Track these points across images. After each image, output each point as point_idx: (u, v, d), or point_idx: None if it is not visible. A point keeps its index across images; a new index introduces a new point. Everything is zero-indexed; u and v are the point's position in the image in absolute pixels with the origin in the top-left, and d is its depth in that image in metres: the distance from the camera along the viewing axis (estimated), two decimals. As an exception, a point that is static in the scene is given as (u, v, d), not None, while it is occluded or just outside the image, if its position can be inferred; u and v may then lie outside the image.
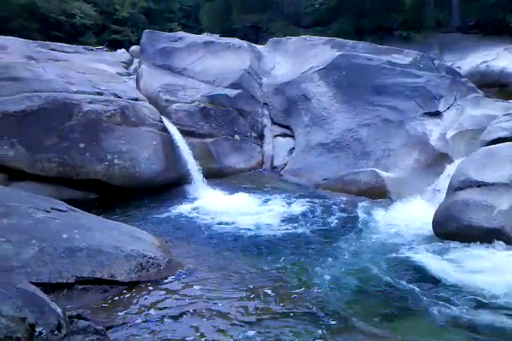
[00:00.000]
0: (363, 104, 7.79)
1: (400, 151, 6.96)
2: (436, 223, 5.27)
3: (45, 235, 3.59)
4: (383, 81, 7.94)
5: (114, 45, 26.62)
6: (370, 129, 7.43)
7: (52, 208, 4.13)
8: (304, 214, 5.93)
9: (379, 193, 6.51)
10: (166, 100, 7.91)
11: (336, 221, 5.77)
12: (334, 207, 6.30)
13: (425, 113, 7.34)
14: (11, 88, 6.35)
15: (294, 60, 9.73)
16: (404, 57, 8.73)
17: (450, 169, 5.99)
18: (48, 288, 3.22)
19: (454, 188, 5.36)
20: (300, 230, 5.41)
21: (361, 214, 5.97)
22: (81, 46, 15.81)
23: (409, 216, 5.86)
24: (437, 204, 5.49)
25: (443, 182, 6.01)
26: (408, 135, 7.09)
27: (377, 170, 6.75)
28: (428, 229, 5.33)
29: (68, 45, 14.92)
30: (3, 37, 13.43)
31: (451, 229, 5.06)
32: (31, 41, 14.38)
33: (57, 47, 13.65)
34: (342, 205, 6.35)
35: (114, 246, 3.80)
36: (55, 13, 29.17)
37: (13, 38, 13.79)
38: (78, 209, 4.49)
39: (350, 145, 7.39)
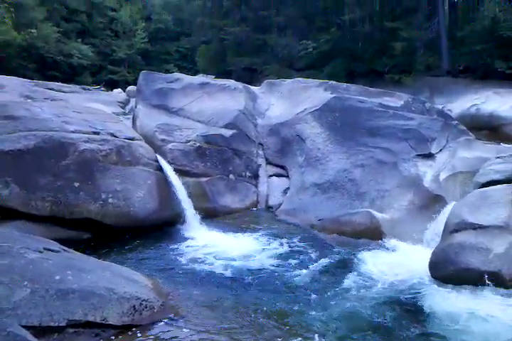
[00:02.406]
0: (356, 145, 7.90)
1: (395, 192, 7.00)
2: (432, 266, 5.23)
3: (38, 276, 3.52)
4: (376, 123, 8.10)
5: (110, 85, 27.19)
6: (364, 170, 7.50)
7: (45, 248, 4.06)
8: (298, 256, 5.85)
9: (374, 234, 6.48)
10: (162, 140, 7.98)
11: (330, 263, 5.68)
12: (329, 248, 6.23)
13: (418, 155, 7.45)
14: (8, 127, 6.40)
15: (288, 101, 9.94)
16: (396, 100, 8.97)
17: (446, 211, 6.01)
18: (39, 331, 3.13)
19: (449, 230, 5.36)
20: (294, 273, 5.31)
21: (356, 256, 5.90)
22: (78, 86, 16.13)
23: (405, 258, 5.81)
24: (433, 247, 5.47)
25: (439, 224, 6.01)
26: (402, 176, 7.16)
27: (372, 211, 6.75)
28: (425, 272, 5.28)
29: (65, 84, 15.22)
30: (1, 76, 13.66)
31: (447, 272, 5.02)
32: (29, 81, 14.64)
33: (54, 87, 13.89)
34: (337, 247, 6.29)
35: (107, 288, 3.73)
36: (52, 53, 29.88)
37: (10, 77, 14.03)
38: (71, 250, 4.42)
39: (344, 186, 7.42)
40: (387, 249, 6.20)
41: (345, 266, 5.60)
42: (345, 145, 8.02)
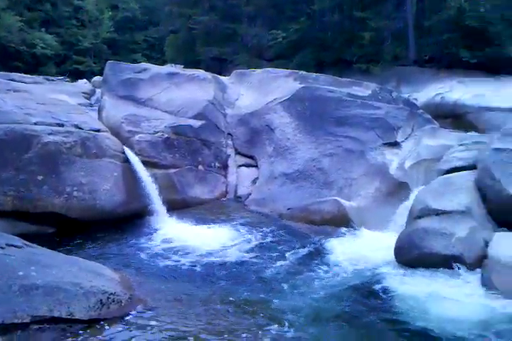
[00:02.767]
0: (325, 135, 7.96)
1: (362, 180, 7.11)
2: (398, 251, 5.37)
3: (0, 273, 3.43)
4: (344, 112, 8.18)
5: (75, 76, 26.47)
6: (332, 159, 7.58)
7: (7, 244, 3.97)
8: (267, 245, 5.91)
9: (342, 222, 6.58)
10: (129, 131, 7.83)
11: (298, 252, 5.77)
12: (297, 237, 6.31)
13: (385, 143, 7.57)
14: (-32, 119, 6.17)
15: (258, 91, 9.91)
16: (363, 89, 9.06)
17: (410, 198, 6.16)
18: (2, 328, 3.07)
19: (413, 216, 5.50)
20: (263, 262, 5.38)
21: (324, 245, 6.01)
22: (41, 76, 15.68)
23: (372, 245, 5.94)
24: (398, 233, 5.60)
25: (403, 210, 6.15)
26: (369, 164, 7.27)
27: (339, 199, 6.85)
28: (391, 257, 5.41)
29: (28, 75, 14.76)
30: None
31: (412, 256, 5.17)
32: (-11, 71, 14.14)
33: (16, 78, 13.45)
34: (305, 236, 6.37)
35: (73, 283, 3.68)
36: (15, 43, 28.83)
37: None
38: (34, 245, 4.32)
39: (313, 175, 7.49)
40: (355, 236, 6.33)
41: (313, 254, 5.69)
42: (314, 134, 8.07)
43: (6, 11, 28.21)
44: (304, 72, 10.03)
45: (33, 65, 30.18)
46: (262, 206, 7.50)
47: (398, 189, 6.74)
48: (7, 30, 27.89)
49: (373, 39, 20.25)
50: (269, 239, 6.13)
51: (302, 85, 8.96)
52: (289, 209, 7.14)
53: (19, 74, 14.43)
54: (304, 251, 5.80)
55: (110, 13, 38.92)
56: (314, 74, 9.99)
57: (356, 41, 20.89)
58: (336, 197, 6.88)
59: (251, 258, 5.53)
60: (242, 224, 6.68)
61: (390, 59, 19.86)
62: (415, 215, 5.47)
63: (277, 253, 5.69)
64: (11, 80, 12.41)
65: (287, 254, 5.69)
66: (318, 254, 5.67)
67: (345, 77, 10.89)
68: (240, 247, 5.86)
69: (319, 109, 8.43)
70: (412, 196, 6.08)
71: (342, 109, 8.29)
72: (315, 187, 7.32)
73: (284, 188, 7.57)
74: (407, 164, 6.99)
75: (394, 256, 5.36)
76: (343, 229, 6.48)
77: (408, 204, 6.04)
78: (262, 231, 6.40)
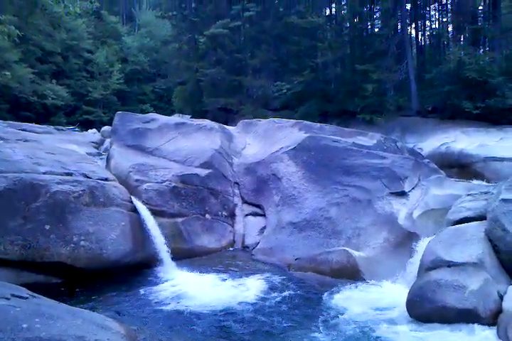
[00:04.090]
0: (331, 184, 7.99)
1: (370, 230, 7.04)
2: (410, 304, 5.20)
3: (4, 325, 3.36)
4: (350, 162, 8.26)
5: (85, 125, 27.12)
6: (339, 208, 7.56)
7: (12, 295, 3.89)
8: (274, 298, 5.73)
9: (352, 273, 6.44)
10: (137, 180, 7.89)
11: (305, 304, 5.61)
12: (305, 288, 6.14)
13: (392, 193, 7.57)
14: (-22, 169, 6.26)
15: (264, 141, 10.10)
16: (368, 139, 9.22)
17: (420, 248, 6.06)
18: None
19: (424, 268, 5.39)
20: (268, 315, 5.21)
21: (332, 296, 5.83)
22: (51, 126, 16.03)
23: (383, 297, 5.78)
24: (410, 284, 5.46)
25: (413, 261, 6.04)
26: (376, 214, 7.24)
27: (348, 249, 6.75)
28: (403, 309, 5.24)
29: (39, 125, 15.11)
30: (-27, 116, 13.51)
31: (425, 310, 5.00)
32: (1, 121, 14.50)
33: (27, 128, 13.76)
34: (313, 286, 6.21)
35: (77, 336, 3.57)
36: (26, 94, 29.79)
37: (-18, 117, 13.87)
38: (40, 296, 4.24)
39: (320, 224, 7.44)
40: (365, 287, 6.15)
41: (321, 308, 5.51)
42: (321, 183, 8.11)
43: (19, 63, 29.38)
44: (309, 122, 10.26)
45: (44, 115, 31.03)
46: (270, 256, 7.39)
47: (407, 239, 6.65)
48: (19, 81, 28.87)
49: (376, 90, 20.87)
50: (276, 291, 5.95)
51: (307, 135, 9.13)
52: (297, 259, 7.02)
53: (30, 124, 14.77)
54: (311, 305, 5.62)
55: (120, 65, 40.43)
56: (319, 124, 10.22)
57: (359, 92, 21.50)
58: (345, 247, 6.78)
59: (256, 310, 5.37)
60: (249, 275, 6.54)
61: (394, 110, 20.34)
62: (426, 267, 5.35)
63: (282, 304, 5.53)
64: (22, 130, 12.70)
65: (292, 305, 5.52)
66: (327, 308, 5.49)
67: (349, 128, 11.11)
68: (246, 297, 5.71)
69: (325, 158, 8.52)
70: (422, 247, 5.98)
71: (348, 159, 8.38)
72: (323, 236, 7.25)
73: (291, 237, 7.49)
74: (416, 214, 6.95)
75: (406, 309, 5.19)
76: (352, 281, 6.32)
77: (418, 255, 5.93)
78: (269, 283, 6.25)
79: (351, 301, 5.62)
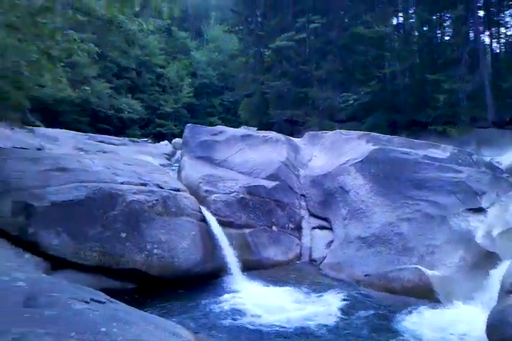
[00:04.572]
0: (402, 198, 7.72)
1: (445, 248, 6.70)
2: (490, 329, 4.85)
3: (84, 328, 3.51)
4: (422, 175, 7.94)
5: (157, 138, 28.35)
6: (410, 224, 7.27)
7: (91, 299, 4.09)
8: (342, 315, 5.56)
9: (425, 293, 6.15)
10: (206, 191, 8.09)
11: (374, 323, 5.39)
12: (375, 306, 5.92)
13: (468, 209, 7.17)
14: (61, 178, 6.71)
15: (330, 153, 9.99)
16: (441, 151, 8.84)
17: (501, 269, 5.68)
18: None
19: (505, 291, 5.03)
20: (336, 333, 5.08)
21: (403, 316, 5.58)
22: (127, 138, 16.95)
23: (459, 320, 5.45)
24: (489, 308, 5.12)
25: (493, 283, 5.67)
26: (452, 231, 6.88)
27: (421, 267, 6.46)
28: (481, 335, 4.92)
29: (116, 137, 16.04)
30: (55, 130, 14.61)
31: (507, 336, 4.64)
32: (81, 133, 15.54)
33: (105, 140, 14.66)
34: (383, 305, 5.97)
35: (150, 342, 3.68)
36: (104, 108, 31.70)
37: (63, 130, 14.95)
38: (116, 301, 4.43)
39: (391, 240, 7.20)
40: (439, 308, 5.84)
41: (391, 326, 5.30)
42: (390, 197, 7.86)
43: (97, 78, 31.34)
44: (377, 134, 10.03)
45: (120, 127, 32.87)
46: (338, 271, 7.25)
47: (486, 259, 6.25)
48: (98, 96, 30.80)
49: (448, 100, 20.06)
50: (344, 308, 5.81)
51: (375, 147, 8.91)
52: (366, 275, 6.83)
53: (108, 136, 15.72)
54: (379, 322, 5.42)
55: (189, 79, 41.98)
56: (387, 136, 9.94)
57: (430, 103, 20.76)
58: (417, 265, 6.50)
59: (324, 326, 5.26)
60: (316, 290, 6.44)
61: (468, 121, 19.42)
62: (507, 290, 5.00)
63: (350, 322, 5.38)
64: (101, 142, 13.55)
65: (361, 324, 5.35)
66: (398, 329, 5.26)
67: (420, 140, 10.72)
68: (313, 313, 5.60)
69: (394, 171, 8.26)
70: (503, 268, 5.59)
71: (419, 172, 8.07)
72: (394, 253, 7.00)
73: (360, 253, 7.31)
74: (495, 232, 6.53)
75: (486, 335, 4.86)
76: (426, 301, 6.03)
77: (498, 276, 5.56)
78: (337, 299, 6.11)
79: (425, 324, 5.34)
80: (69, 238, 5.90)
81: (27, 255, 5.75)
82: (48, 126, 16.40)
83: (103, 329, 3.60)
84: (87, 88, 29.19)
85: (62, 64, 6.37)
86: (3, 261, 4.60)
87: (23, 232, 5.80)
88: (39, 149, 9.63)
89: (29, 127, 8.57)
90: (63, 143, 12.76)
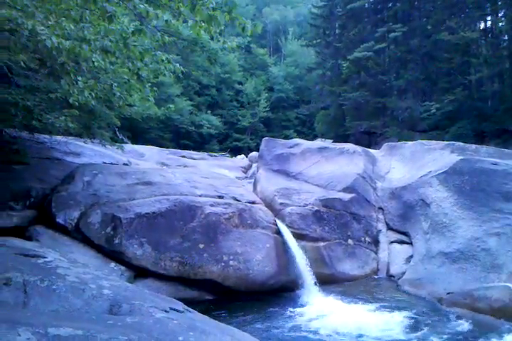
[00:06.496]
0: (489, 211, 7.22)
1: (539, 266, 6.16)
2: None
3: (163, 336, 3.65)
4: (513, 187, 7.39)
5: (234, 151, 29.09)
6: (499, 239, 6.76)
7: (170, 308, 4.26)
8: (420, 335, 5.23)
9: (516, 314, 5.67)
10: (281, 203, 8.13)
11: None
12: (459, 328, 5.50)
13: None
14: (146, 192, 7.14)
15: (410, 164, 9.62)
16: (534, 162, 8.17)
17: None
18: None
19: None
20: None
21: None
22: (206, 153, 17.61)
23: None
24: None
25: None
26: (546, 247, 6.31)
27: (511, 285, 5.97)
28: None
29: (195, 152, 16.73)
30: (141, 146, 15.57)
31: None
32: (164, 149, 16.41)
33: (186, 154, 15.35)
34: (468, 327, 5.52)
35: (226, 353, 3.74)
36: (186, 124, 33.19)
37: (149, 146, 15.92)
38: (193, 310, 4.57)
39: (477, 256, 6.73)
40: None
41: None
42: (477, 211, 7.37)
43: (180, 96, 32.93)
44: (462, 144, 9.51)
45: (200, 142, 34.23)
46: (418, 287, 6.90)
47: None
48: (180, 113, 32.35)
49: (543, 107, 18.55)
50: (423, 327, 5.48)
51: (461, 157, 8.43)
52: (449, 293, 6.43)
53: (188, 151, 16.43)
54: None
55: (266, 94, 42.69)
56: (474, 146, 9.39)
57: (522, 110, 19.35)
58: (507, 283, 6.01)
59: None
60: (394, 307, 6.16)
61: None
62: None
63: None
64: (182, 157, 14.19)
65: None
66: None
67: (510, 149, 10.00)
68: (389, 331, 5.35)
69: (481, 182, 7.75)
70: None
71: (509, 184, 7.51)
72: (480, 270, 6.53)
73: (442, 269, 6.91)
74: None
75: None
76: (518, 323, 5.55)
77: None
78: (416, 317, 5.80)
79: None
80: (151, 248, 6.23)
81: (112, 264, 6.15)
82: (134, 142, 17.52)
83: (181, 338, 3.71)
84: (170, 106, 30.83)
85: (149, 84, 6.82)
86: (91, 270, 4.94)
87: (109, 242, 6.23)
88: (126, 164, 10.28)
89: (118, 144, 9.23)
90: (148, 158, 13.53)
